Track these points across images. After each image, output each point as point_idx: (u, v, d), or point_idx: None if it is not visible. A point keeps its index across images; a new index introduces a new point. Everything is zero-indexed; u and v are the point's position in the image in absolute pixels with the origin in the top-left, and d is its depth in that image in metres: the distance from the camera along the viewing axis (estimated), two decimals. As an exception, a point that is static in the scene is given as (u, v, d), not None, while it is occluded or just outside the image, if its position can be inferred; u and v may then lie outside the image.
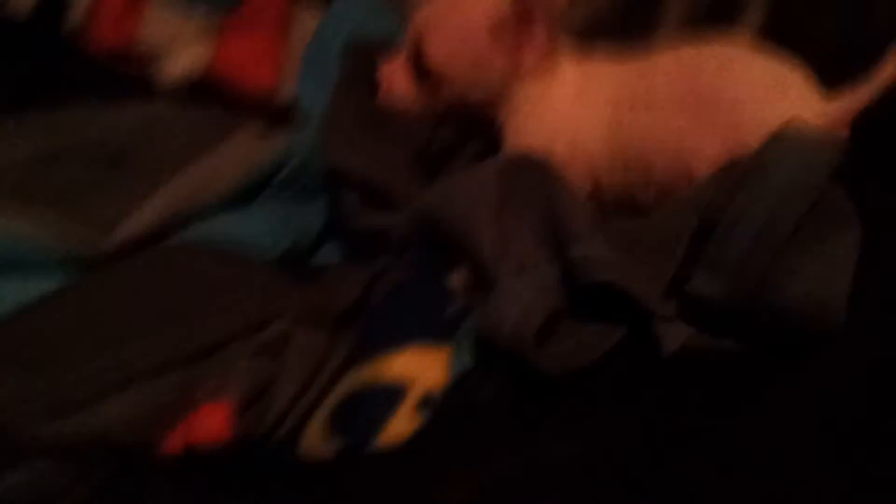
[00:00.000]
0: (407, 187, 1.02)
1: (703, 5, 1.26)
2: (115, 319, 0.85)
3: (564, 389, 0.79)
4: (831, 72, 0.99)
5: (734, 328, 0.81)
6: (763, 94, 0.98)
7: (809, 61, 0.99)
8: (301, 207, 1.09)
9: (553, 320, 0.82)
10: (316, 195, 1.10)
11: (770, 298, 0.78)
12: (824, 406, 0.74)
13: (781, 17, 1.23)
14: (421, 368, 0.82)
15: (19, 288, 0.89)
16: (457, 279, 0.92)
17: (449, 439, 0.78)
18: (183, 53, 1.21)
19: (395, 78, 1.07)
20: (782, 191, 0.81)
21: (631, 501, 0.68)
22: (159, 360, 0.80)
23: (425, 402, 0.80)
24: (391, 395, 0.80)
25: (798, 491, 0.65)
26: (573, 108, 1.07)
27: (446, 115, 1.10)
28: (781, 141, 0.85)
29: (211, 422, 0.78)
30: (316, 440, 0.79)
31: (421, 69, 1.05)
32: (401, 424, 0.78)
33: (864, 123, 0.96)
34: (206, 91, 1.20)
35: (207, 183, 1.04)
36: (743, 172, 0.84)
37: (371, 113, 1.10)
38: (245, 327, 0.85)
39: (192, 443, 0.77)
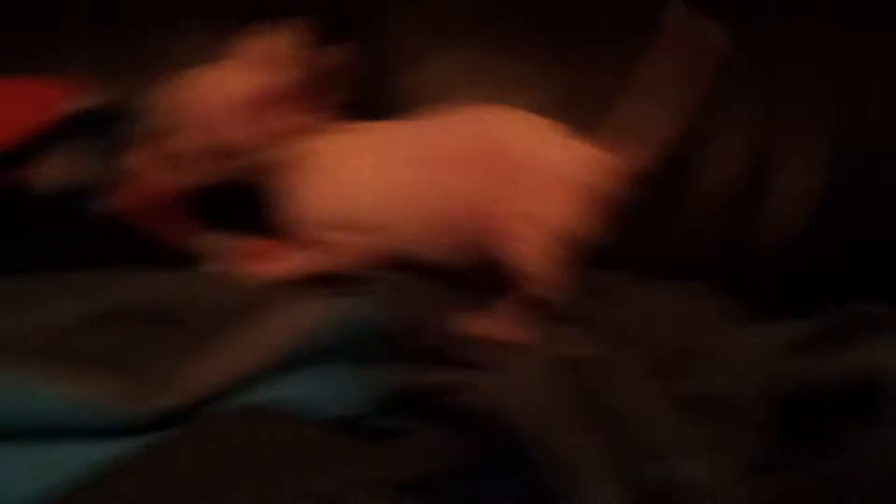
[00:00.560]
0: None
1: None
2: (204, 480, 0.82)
3: None
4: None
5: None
6: (546, 145, 1.18)
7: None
8: (358, 369, 1.05)
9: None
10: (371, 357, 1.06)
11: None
12: None
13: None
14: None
15: (78, 452, 0.85)
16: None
17: None
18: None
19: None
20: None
21: None
22: None
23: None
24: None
25: None
26: (372, 175, 1.18)
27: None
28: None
29: None
30: None
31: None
32: None
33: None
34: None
35: (265, 344, 1.00)
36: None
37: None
38: (317, 495, 0.81)
39: None
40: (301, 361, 1.00)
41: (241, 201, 1.23)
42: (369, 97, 1.49)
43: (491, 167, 1.16)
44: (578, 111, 1.46)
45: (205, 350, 0.98)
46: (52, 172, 1.30)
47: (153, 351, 1.00)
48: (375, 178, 1.22)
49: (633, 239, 1.37)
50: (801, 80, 1.60)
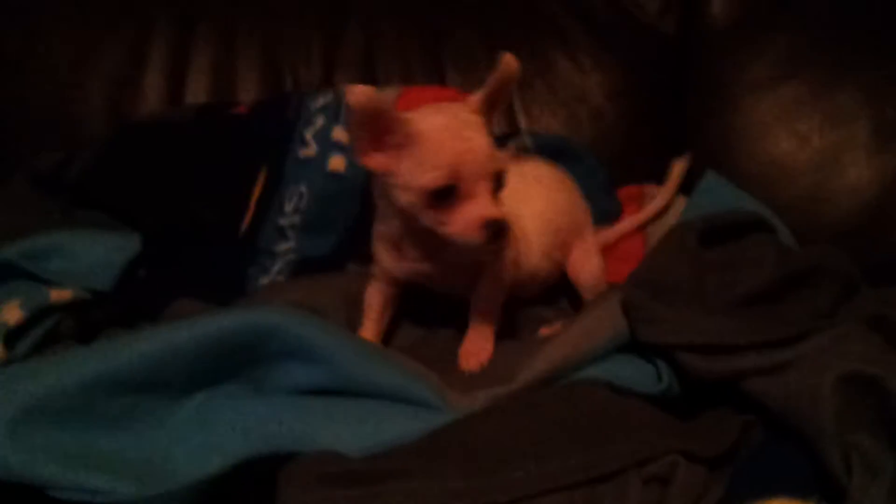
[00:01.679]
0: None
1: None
2: (534, 438, 0.99)
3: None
4: None
5: None
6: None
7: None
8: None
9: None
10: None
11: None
12: None
13: None
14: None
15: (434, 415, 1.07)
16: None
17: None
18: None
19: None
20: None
21: None
22: (570, 479, 0.93)
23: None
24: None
25: None
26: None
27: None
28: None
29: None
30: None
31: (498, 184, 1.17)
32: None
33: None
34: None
35: (590, 333, 1.18)
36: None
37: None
38: (640, 457, 0.96)
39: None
40: (614, 349, 1.19)
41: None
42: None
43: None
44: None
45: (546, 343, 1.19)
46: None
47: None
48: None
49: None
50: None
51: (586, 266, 1.44)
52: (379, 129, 1.12)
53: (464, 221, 1.12)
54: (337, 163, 1.59)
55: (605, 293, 1.32)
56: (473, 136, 1.13)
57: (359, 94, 1.07)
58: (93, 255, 1.44)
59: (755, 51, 1.85)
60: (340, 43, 1.98)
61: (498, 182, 1.14)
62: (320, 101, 1.70)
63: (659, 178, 1.76)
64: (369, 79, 1.93)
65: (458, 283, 1.29)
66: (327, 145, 1.62)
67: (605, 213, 1.70)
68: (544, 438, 0.99)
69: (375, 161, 1.14)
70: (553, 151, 1.72)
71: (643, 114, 1.92)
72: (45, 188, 1.70)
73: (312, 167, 1.60)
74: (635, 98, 1.93)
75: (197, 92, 1.95)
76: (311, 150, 1.63)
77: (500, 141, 1.70)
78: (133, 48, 1.96)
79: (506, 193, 1.19)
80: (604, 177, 1.76)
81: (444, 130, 1.12)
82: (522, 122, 1.91)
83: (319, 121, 1.66)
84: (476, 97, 1.17)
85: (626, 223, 1.63)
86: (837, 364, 0.99)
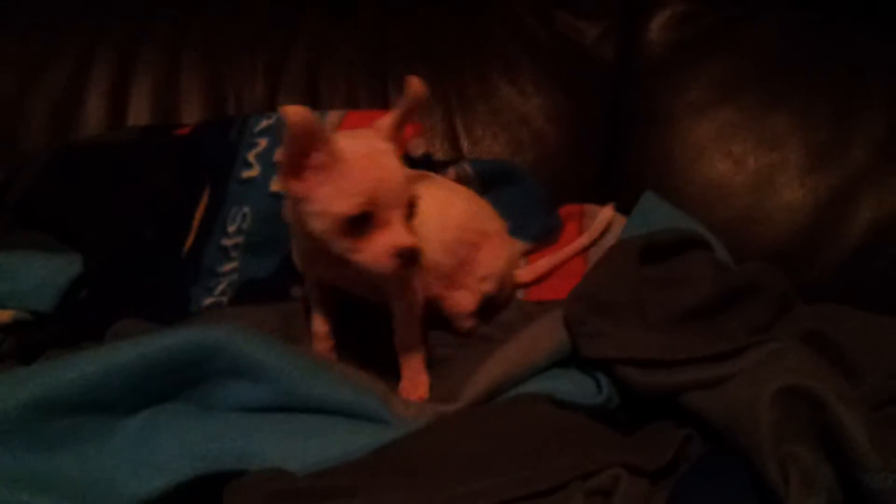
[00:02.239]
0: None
1: None
2: (477, 453, 1.00)
3: None
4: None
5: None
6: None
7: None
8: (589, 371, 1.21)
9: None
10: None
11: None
12: None
13: None
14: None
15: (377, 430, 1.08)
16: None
17: None
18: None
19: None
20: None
21: None
22: (513, 493, 0.93)
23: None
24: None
25: None
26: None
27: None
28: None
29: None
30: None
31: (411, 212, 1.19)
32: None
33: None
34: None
35: (530, 348, 1.20)
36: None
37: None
38: (583, 471, 0.96)
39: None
40: (554, 363, 1.20)
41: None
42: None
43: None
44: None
45: (483, 359, 1.21)
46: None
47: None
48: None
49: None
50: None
51: (489, 260, 1.46)
52: (306, 150, 1.13)
53: (376, 249, 1.13)
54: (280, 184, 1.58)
55: (548, 307, 1.33)
56: (389, 164, 1.15)
57: (294, 112, 1.09)
58: (34, 275, 1.43)
59: (691, 76, 1.89)
60: (284, 65, 1.98)
61: (410, 209, 1.16)
62: (264, 122, 1.71)
63: (598, 197, 1.79)
64: (313, 101, 1.94)
65: (369, 291, 1.31)
66: (270, 167, 1.62)
67: (546, 229, 1.73)
68: (488, 453, 1.00)
69: (295, 187, 1.15)
70: (494, 175, 1.74)
71: (583, 136, 1.95)
72: (-14, 208, 1.67)
73: (255, 188, 1.60)
74: (576, 121, 1.96)
75: (139, 114, 1.95)
76: (253, 171, 1.63)
77: (441, 167, 1.72)
78: (75, 70, 1.96)
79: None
80: (543, 196, 1.78)
81: (364, 158, 1.14)
82: (465, 145, 1.94)
83: (262, 142, 1.66)
84: (386, 121, 1.19)
85: (553, 258, 1.64)
86: (774, 378, 1.00)
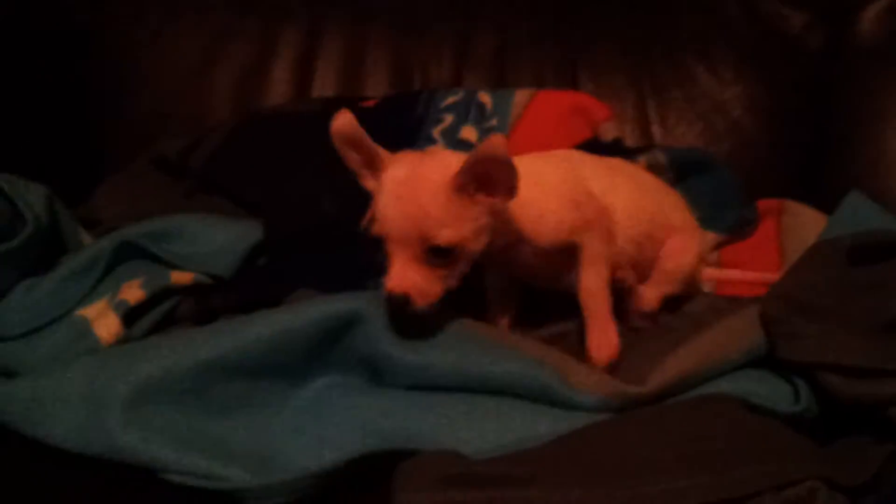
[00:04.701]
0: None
1: None
2: (664, 452, 0.93)
3: None
4: None
5: None
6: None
7: None
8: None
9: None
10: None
11: None
12: None
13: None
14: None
15: (557, 417, 1.04)
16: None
17: None
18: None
19: (417, 281, 1.09)
20: None
21: None
22: (702, 498, 0.87)
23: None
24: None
25: None
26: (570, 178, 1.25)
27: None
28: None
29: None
30: None
31: (437, 254, 1.08)
32: None
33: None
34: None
35: (723, 344, 1.12)
36: None
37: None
38: (778, 481, 0.89)
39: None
40: (748, 363, 1.12)
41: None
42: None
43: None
44: None
45: (672, 349, 1.13)
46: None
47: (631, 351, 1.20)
48: None
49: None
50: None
51: (676, 256, 1.38)
52: (364, 157, 1.12)
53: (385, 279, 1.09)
54: (465, 162, 1.56)
55: (742, 303, 1.25)
56: (413, 200, 1.07)
57: (339, 119, 1.09)
58: (215, 240, 1.43)
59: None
60: (471, 44, 1.96)
61: (440, 251, 1.09)
62: (450, 99, 1.69)
63: (797, 193, 1.70)
64: (499, 79, 1.91)
65: (550, 279, 1.27)
66: (455, 144, 1.60)
67: (741, 221, 1.64)
68: (675, 453, 0.93)
69: (367, 183, 1.14)
70: (687, 164, 1.66)
71: (784, 129, 1.86)
72: (169, 171, 1.71)
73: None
74: (776, 113, 1.87)
75: (325, 86, 1.96)
76: (437, 147, 1.60)
77: (632, 154, 1.65)
78: (260, 41, 1.99)
79: (594, 182, 1.25)
80: (739, 186, 1.69)
81: (392, 184, 1.09)
82: (657, 132, 1.87)
83: (448, 119, 1.64)
84: (454, 161, 1.09)
85: (747, 274, 1.54)
86: None
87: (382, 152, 1.12)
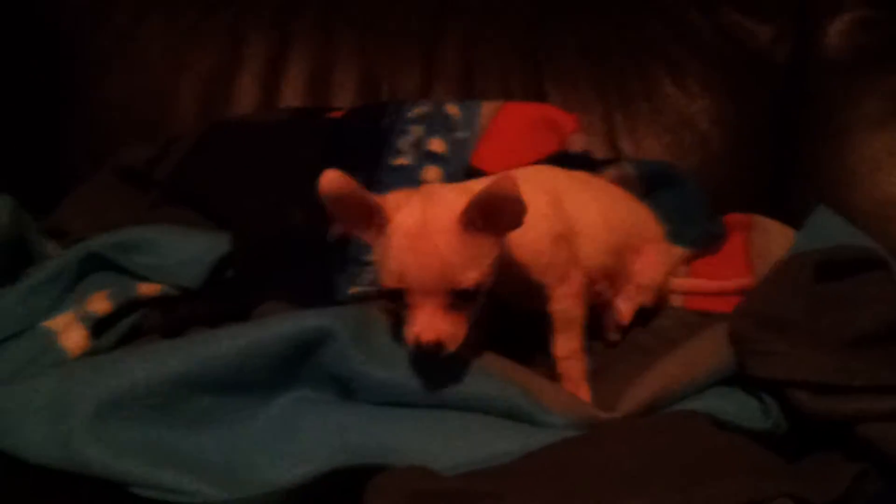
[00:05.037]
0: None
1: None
2: (633, 468, 0.94)
3: None
4: None
5: None
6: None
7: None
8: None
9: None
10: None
11: None
12: None
13: None
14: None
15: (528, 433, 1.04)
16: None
17: None
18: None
19: (446, 328, 1.07)
20: None
21: None
22: None
23: None
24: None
25: None
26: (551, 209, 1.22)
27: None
28: None
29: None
30: None
31: (460, 296, 1.07)
32: None
33: None
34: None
35: (692, 363, 1.13)
36: None
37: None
38: (747, 497, 0.89)
39: None
40: (716, 381, 1.13)
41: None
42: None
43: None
44: None
45: (640, 371, 1.14)
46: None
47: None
48: None
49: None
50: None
51: (650, 268, 1.39)
52: (360, 210, 1.07)
53: (406, 329, 1.07)
54: (432, 174, 1.58)
55: (711, 319, 1.27)
56: (431, 251, 1.05)
57: (327, 179, 1.03)
58: (182, 251, 1.42)
59: (869, 86, 1.77)
60: (439, 55, 1.95)
61: (464, 294, 1.07)
62: (417, 110, 1.69)
63: (764, 207, 1.71)
64: (467, 92, 1.91)
65: (522, 295, 1.24)
66: (422, 156, 1.59)
67: (708, 235, 1.64)
68: (644, 470, 0.94)
69: (359, 234, 1.11)
70: (656, 177, 1.66)
71: (750, 142, 1.87)
72: (135, 183, 1.69)
73: (405, 176, 1.57)
74: (743, 126, 1.87)
75: (292, 96, 1.95)
76: (404, 159, 1.60)
77: (600, 166, 1.66)
78: (226, 50, 1.97)
79: (568, 196, 1.24)
80: (706, 201, 1.69)
81: (405, 236, 1.05)
82: (625, 146, 1.88)
83: (415, 131, 1.63)
84: (459, 198, 1.07)
85: (715, 284, 1.54)
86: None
87: (381, 202, 1.07)
